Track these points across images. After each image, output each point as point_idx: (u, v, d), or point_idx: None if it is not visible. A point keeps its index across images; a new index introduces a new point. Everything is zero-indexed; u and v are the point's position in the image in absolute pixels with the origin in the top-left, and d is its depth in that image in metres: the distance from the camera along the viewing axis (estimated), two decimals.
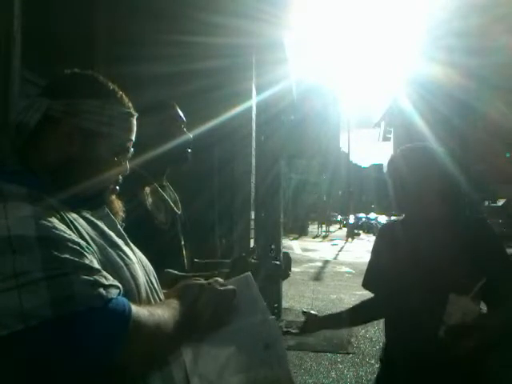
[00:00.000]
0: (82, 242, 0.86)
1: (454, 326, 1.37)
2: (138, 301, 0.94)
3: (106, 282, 0.83)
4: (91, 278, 0.80)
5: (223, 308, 1.03)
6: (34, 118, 0.95)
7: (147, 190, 1.64)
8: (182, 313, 0.95)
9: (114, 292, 0.83)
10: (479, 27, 16.61)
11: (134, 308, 0.84)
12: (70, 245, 0.82)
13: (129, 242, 1.10)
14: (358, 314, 1.93)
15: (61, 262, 0.79)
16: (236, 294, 1.05)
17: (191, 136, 1.79)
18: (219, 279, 1.08)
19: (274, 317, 1.10)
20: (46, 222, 0.82)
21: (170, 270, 1.43)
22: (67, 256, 0.80)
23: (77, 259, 0.81)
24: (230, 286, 1.06)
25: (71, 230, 0.88)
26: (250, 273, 1.15)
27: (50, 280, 0.76)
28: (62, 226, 0.84)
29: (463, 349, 1.34)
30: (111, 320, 0.80)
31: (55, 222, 0.84)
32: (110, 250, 0.94)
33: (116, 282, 0.85)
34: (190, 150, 1.78)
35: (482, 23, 16.52)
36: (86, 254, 0.84)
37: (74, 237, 0.85)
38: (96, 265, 0.85)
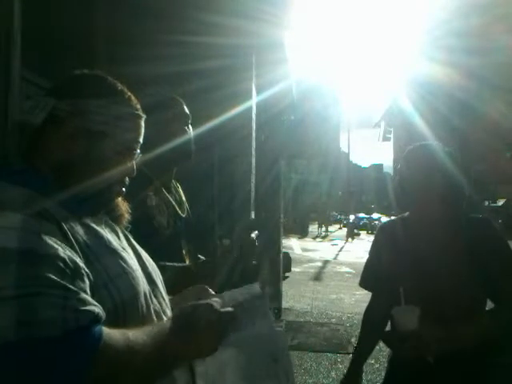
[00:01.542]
0: (69, 257, 0.82)
1: (398, 332, 1.48)
2: (136, 309, 0.93)
3: (81, 307, 0.77)
4: (63, 301, 0.75)
5: (220, 327, 0.96)
6: (40, 117, 0.94)
7: (150, 189, 1.62)
8: (171, 338, 0.89)
9: (85, 318, 0.77)
10: (479, 27, 16.60)
11: (107, 336, 0.79)
12: (53, 260, 0.78)
13: (133, 243, 1.09)
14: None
15: (35, 280, 0.75)
16: (241, 306, 1.02)
17: (191, 133, 1.77)
18: (218, 300, 1.02)
19: (281, 329, 1.09)
20: (31, 234, 0.79)
21: (168, 264, 1.42)
22: (45, 273, 0.76)
23: (54, 277, 0.77)
24: (229, 308, 0.99)
25: (67, 238, 0.85)
26: (258, 283, 1.15)
27: (19, 299, 0.72)
28: (49, 239, 0.81)
29: (403, 352, 1.49)
30: (73, 351, 0.74)
31: (44, 233, 0.81)
32: (108, 257, 0.92)
33: (93, 307, 0.79)
34: (193, 147, 1.77)
35: (482, 23, 16.51)
36: (68, 271, 0.80)
37: (61, 251, 0.81)
38: (77, 284, 0.80)
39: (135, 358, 0.82)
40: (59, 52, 2.56)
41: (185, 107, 1.76)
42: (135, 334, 0.84)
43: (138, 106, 1.06)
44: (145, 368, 0.84)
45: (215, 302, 0.99)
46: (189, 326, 0.92)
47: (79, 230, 0.91)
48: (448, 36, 17.20)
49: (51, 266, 0.78)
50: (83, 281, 0.82)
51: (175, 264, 1.47)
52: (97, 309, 0.80)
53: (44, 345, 0.72)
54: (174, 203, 1.71)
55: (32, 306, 0.73)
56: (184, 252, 1.72)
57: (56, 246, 0.81)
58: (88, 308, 0.78)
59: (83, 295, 0.79)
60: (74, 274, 0.81)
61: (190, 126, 1.77)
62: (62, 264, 0.79)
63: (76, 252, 0.86)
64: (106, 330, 0.79)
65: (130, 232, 1.13)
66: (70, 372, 0.74)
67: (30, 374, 0.72)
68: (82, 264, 0.84)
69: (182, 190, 1.89)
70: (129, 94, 1.05)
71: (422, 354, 1.44)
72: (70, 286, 0.78)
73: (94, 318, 0.78)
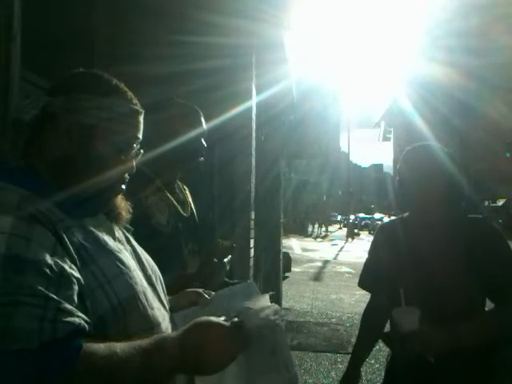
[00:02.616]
0: (56, 263, 0.80)
1: (398, 333, 1.48)
2: (136, 308, 0.92)
3: (61, 318, 0.75)
4: (43, 312, 0.73)
5: (231, 354, 0.92)
6: (31, 114, 0.94)
7: (150, 189, 1.62)
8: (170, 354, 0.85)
9: (64, 330, 0.74)
10: (479, 27, 16.60)
11: (89, 350, 0.76)
12: (38, 267, 0.77)
13: (133, 244, 1.08)
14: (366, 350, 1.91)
15: (17, 287, 0.73)
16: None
17: (204, 144, 1.78)
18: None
19: (279, 323, 1.08)
20: (20, 239, 0.78)
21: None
22: (28, 282, 0.75)
23: (37, 286, 0.75)
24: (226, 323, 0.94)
25: (61, 241, 0.84)
26: (252, 281, 1.15)
27: None
28: (38, 244, 0.79)
29: (404, 352, 1.51)
30: (48, 364, 0.72)
31: (34, 238, 0.79)
32: (104, 258, 0.91)
33: (74, 318, 0.77)
34: (201, 158, 1.78)
35: (482, 23, 16.52)
36: (54, 278, 0.78)
37: (48, 257, 0.79)
38: (62, 293, 0.77)
39: (120, 375, 0.79)
40: (59, 52, 2.56)
41: (188, 109, 1.76)
42: (125, 348, 0.81)
43: (135, 102, 1.04)
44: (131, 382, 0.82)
45: (231, 324, 0.93)
46: (196, 347, 0.87)
47: (75, 231, 0.90)
48: (448, 36, 17.20)
49: (36, 273, 0.76)
50: (70, 288, 0.80)
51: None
52: (78, 320, 0.77)
53: (18, 356, 0.70)
54: (175, 203, 1.71)
55: (9, 315, 0.71)
56: (185, 252, 1.72)
57: (44, 251, 0.79)
58: (68, 319, 0.76)
59: (65, 305, 0.77)
60: (60, 281, 0.79)
61: (198, 126, 1.76)
62: (47, 271, 0.77)
63: (70, 255, 0.85)
64: (87, 344, 0.77)
65: (132, 233, 1.13)
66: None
67: None
68: (70, 270, 0.82)
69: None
70: (126, 90, 1.03)
71: (422, 355, 1.45)
72: (53, 296, 0.76)
73: (75, 330, 0.76)
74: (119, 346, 0.80)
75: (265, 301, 1.11)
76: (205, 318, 0.94)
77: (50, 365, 0.73)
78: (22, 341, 0.71)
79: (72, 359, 0.74)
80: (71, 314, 0.77)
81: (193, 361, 0.87)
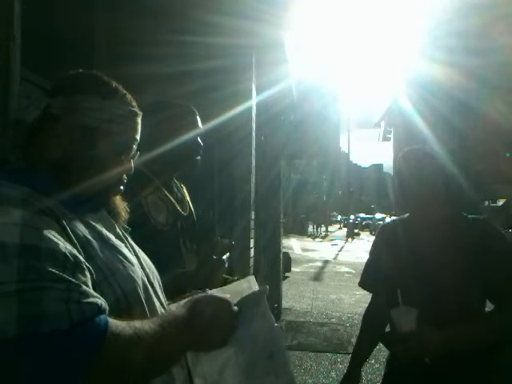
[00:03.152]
0: (70, 251, 0.83)
1: (396, 333, 1.50)
2: (140, 301, 0.94)
3: (84, 299, 0.78)
4: (67, 295, 0.76)
5: (233, 322, 0.99)
6: (33, 114, 0.95)
7: (148, 189, 1.63)
8: (177, 327, 0.91)
9: (90, 310, 0.78)
10: (479, 27, 16.58)
11: (115, 326, 0.80)
12: (54, 255, 0.79)
13: (131, 243, 1.09)
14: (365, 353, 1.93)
15: (38, 274, 0.76)
16: (240, 304, 1.03)
17: (201, 143, 1.79)
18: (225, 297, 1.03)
19: (278, 325, 1.09)
20: (33, 230, 0.80)
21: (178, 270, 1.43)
22: (48, 268, 0.77)
23: (56, 271, 0.78)
24: (226, 295, 1.02)
25: (66, 234, 0.86)
26: (253, 276, 1.16)
27: (21, 294, 0.73)
28: (50, 234, 0.81)
29: (401, 353, 1.50)
30: (79, 343, 0.75)
31: (45, 228, 0.81)
32: (107, 253, 0.93)
33: (95, 299, 0.80)
34: (198, 158, 1.79)
35: (482, 23, 16.50)
36: (69, 265, 0.80)
37: (61, 246, 0.82)
38: (78, 278, 0.81)
39: (143, 345, 0.83)
40: (59, 52, 2.56)
41: (185, 109, 1.77)
42: (142, 323, 0.85)
43: (134, 104, 1.05)
44: (153, 355, 0.85)
45: (229, 298, 1.01)
46: (202, 317, 0.94)
47: (79, 225, 0.92)
48: (448, 36, 17.18)
49: (53, 260, 0.79)
50: (84, 274, 0.83)
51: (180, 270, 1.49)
52: (100, 300, 0.81)
53: (51, 338, 0.73)
54: (173, 201, 1.72)
55: (36, 300, 0.74)
56: (184, 251, 1.72)
57: (57, 240, 0.82)
58: (91, 300, 0.79)
59: (85, 288, 0.80)
60: (75, 267, 0.82)
61: (195, 126, 1.76)
62: (63, 258, 0.80)
63: (76, 247, 0.87)
64: (112, 320, 0.81)
65: (130, 233, 1.14)
66: (78, 363, 0.75)
67: (40, 367, 0.73)
68: (82, 258, 0.85)
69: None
70: (124, 91, 1.05)
71: (419, 355, 1.45)
72: (72, 280, 0.79)
73: (98, 310, 0.79)
74: (136, 322, 0.84)
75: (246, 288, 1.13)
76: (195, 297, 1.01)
77: (83, 343, 0.76)
78: (52, 323, 0.73)
79: (101, 336, 0.77)
80: (92, 296, 0.80)
81: (198, 332, 0.93)
